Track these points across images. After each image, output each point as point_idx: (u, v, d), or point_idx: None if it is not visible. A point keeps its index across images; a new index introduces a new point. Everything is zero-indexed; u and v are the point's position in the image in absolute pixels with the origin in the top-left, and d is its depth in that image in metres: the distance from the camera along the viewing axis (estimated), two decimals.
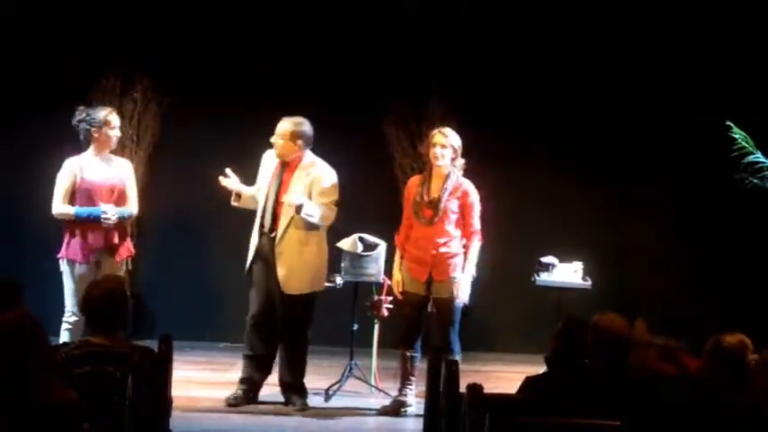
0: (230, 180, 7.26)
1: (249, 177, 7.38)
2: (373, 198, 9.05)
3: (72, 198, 7.05)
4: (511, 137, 9.64)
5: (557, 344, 4.82)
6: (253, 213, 7.26)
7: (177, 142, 9.71)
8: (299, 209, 6.99)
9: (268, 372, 7.31)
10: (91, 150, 7.11)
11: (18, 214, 9.43)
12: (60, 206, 7.04)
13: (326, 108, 9.51)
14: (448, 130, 7.14)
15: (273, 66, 9.60)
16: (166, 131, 9.71)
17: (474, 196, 7.13)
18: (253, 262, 7.19)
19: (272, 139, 7.14)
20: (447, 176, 7.11)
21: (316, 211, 7.03)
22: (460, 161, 7.13)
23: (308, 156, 7.19)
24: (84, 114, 7.09)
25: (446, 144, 7.08)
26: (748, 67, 9.60)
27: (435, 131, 7.20)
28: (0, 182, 9.57)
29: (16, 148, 9.45)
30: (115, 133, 7.16)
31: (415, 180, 7.31)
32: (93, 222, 7.01)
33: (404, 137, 9.52)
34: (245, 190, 7.28)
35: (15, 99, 9.46)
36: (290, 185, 7.10)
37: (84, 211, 7.02)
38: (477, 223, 7.13)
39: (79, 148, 7.15)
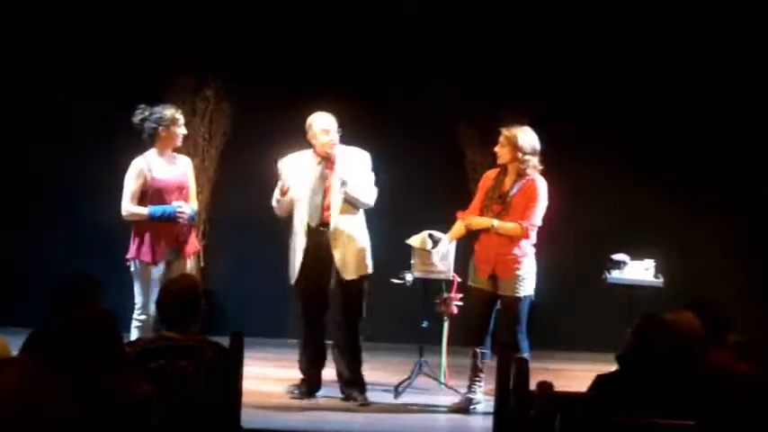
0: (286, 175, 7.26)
1: None
2: (443, 195, 9.04)
3: (141, 198, 7.03)
4: (584, 134, 9.62)
5: (631, 342, 4.75)
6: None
7: (248, 140, 9.77)
8: (346, 184, 7.07)
9: (323, 365, 7.39)
10: (155, 149, 7.08)
11: (92, 214, 9.55)
12: (131, 207, 7.02)
13: (396, 105, 9.58)
14: (515, 129, 7.11)
15: (345, 65, 9.64)
16: (238, 130, 9.81)
17: (539, 190, 7.06)
18: (303, 263, 7.21)
19: (326, 138, 7.16)
20: (520, 174, 7.08)
21: (360, 189, 7.15)
22: (532, 160, 7.06)
23: (338, 145, 7.27)
24: (147, 113, 7.05)
25: (504, 142, 7.06)
26: None
27: (503, 129, 7.18)
28: (74, 182, 9.72)
29: (91, 147, 9.56)
30: (182, 131, 7.15)
31: (491, 173, 7.31)
32: (166, 221, 7.00)
33: (475, 133, 9.52)
34: (293, 191, 7.26)
35: (90, 99, 9.59)
36: (333, 176, 7.19)
37: (158, 209, 7.00)
38: (532, 216, 7.03)
39: (142, 146, 7.13)
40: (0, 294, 9.70)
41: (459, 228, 7.28)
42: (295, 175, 7.23)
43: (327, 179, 7.21)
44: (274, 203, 7.26)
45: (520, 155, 7.04)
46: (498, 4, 9.76)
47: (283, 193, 7.19)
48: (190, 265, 7.30)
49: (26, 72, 9.71)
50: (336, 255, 7.17)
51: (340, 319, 7.24)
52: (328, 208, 7.19)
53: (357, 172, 7.21)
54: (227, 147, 9.83)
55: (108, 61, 9.59)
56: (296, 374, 7.49)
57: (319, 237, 7.21)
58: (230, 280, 9.81)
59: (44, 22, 9.74)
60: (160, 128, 7.04)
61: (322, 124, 7.20)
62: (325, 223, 7.20)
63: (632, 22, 9.73)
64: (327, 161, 7.24)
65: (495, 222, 7.02)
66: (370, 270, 7.33)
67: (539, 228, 7.12)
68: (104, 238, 9.32)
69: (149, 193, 7.04)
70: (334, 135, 7.20)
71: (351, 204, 7.21)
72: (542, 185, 7.09)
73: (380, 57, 9.66)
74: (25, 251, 9.85)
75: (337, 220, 7.17)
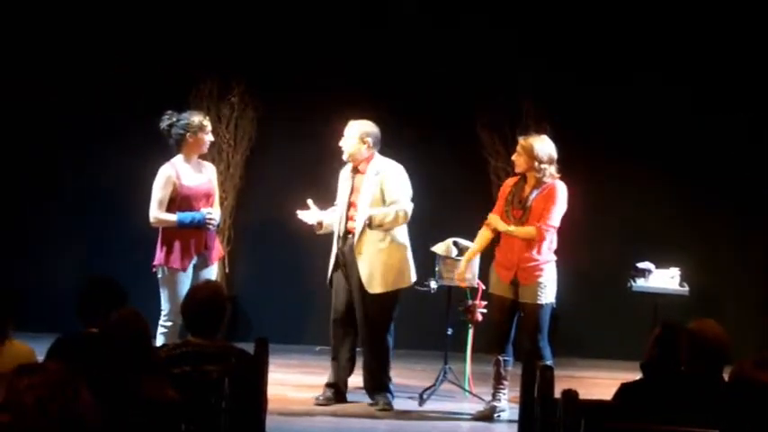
0: (309, 213, 7.28)
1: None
2: (467, 202, 9.05)
3: (169, 205, 7.01)
4: (604, 140, 9.58)
5: (653, 350, 4.75)
6: None
7: (273, 146, 9.79)
8: (370, 224, 7.07)
9: (351, 372, 7.39)
10: (182, 155, 7.08)
11: (116, 219, 9.59)
12: (159, 213, 7.00)
13: (420, 111, 9.57)
14: (531, 138, 7.12)
15: (368, 70, 9.64)
16: (263, 136, 9.80)
17: (557, 193, 7.05)
18: (334, 269, 7.29)
19: (341, 142, 7.20)
20: (538, 181, 7.09)
21: (387, 218, 7.11)
22: (548, 169, 7.05)
23: (377, 157, 7.25)
24: (174, 119, 7.04)
25: (520, 151, 7.09)
26: None
27: (520, 138, 7.20)
28: (99, 189, 9.75)
29: (114, 153, 9.58)
30: (209, 138, 7.15)
31: (510, 181, 7.34)
32: (194, 228, 7.00)
33: (498, 140, 9.50)
34: (327, 217, 7.32)
35: (113, 104, 9.61)
36: (361, 189, 7.18)
37: (187, 216, 6.99)
38: (548, 218, 7.00)
39: (169, 153, 7.13)
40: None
41: (484, 237, 7.28)
42: (340, 182, 7.34)
43: (353, 190, 7.21)
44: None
45: (536, 164, 7.03)
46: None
47: (317, 230, 7.30)
48: (216, 271, 7.31)
49: (52, 78, 9.74)
50: (362, 267, 7.16)
51: (363, 332, 7.25)
52: (352, 219, 7.21)
53: (388, 190, 7.16)
54: (251, 153, 9.82)
55: (133, 66, 9.61)
56: (320, 381, 7.50)
57: (345, 244, 7.24)
58: (255, 286, 9.81)
59: (68, 27, 9.76)
60: (188, 134, 7.04)
61: (345, 129, 7.24)
62: (349, 232, 7.22)
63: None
64: (357, 171, 7.25)
65: (512, 228, 7.02)
66: (406, 282, 7.29)
67: (560, 235, 7.12)
68: (121, 244, 9.42)
69: (177, 201, 7.04)
70: (348, 140, 7.18)
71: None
72: (561, 189, 7.10)
73: (407, 61, 9.65)
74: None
75: (363, 233, 7.15)
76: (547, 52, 9.55)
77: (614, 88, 9.59)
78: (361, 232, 7.16)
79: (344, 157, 7.26)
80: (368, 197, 7.17)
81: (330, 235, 7.37)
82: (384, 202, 7.18)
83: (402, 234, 7.29)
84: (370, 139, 7.20)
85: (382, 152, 7.34)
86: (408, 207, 7.24)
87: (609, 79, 9.60)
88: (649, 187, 9.63)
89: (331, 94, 9.45)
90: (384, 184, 7.19)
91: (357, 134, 7.19)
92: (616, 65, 9.63)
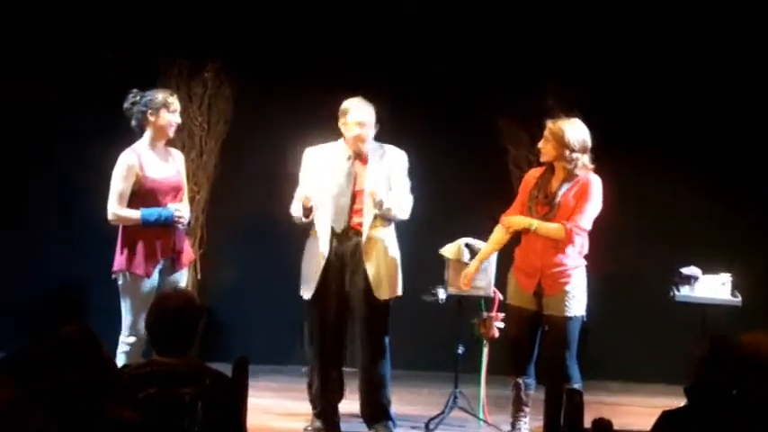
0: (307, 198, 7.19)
1: None
2: (483, 197, 9.06)
3: (130, 200, 7.00)
4: (639, 131, 9.64)
5: (700, 371, 4.71)
6: None
7: (253, 131, 9.81)
8: (380, 204, 7.06)
9: (342, 396, 7.41)
10: (146, 140, 7.08)
11: (67, 217, 9.62)
12: (119, 209, 6.99)
13: (427, 94, 9.61)
14: (561, 122, 7.08)
15: (364, 47, 9.69)
16: (241, 119, 9.83)
17: (591, 188, 7.02)
18: (322, 276, 7.20)
19: (358, 131, 7.14)
20: (569, 173, 7.07)
21: (396, 203, 7.15)
22: (581, 158, 7.02)
23: (373, 140, 7.27)
24: (138, 97, 7.07)
25: (548, 137, 7.06)
26: None
27: (548, 121, 7.20)
28: (48, 182, 9.78)
29: (77, 142, 9.58)
30: (174, 118, 7.12)
31: (534, 172, 7.30)
32: (161, 227, 7.00)
33: (518, 127, 9.54)
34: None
35: (74, 87, 9.61)
36: (366, 177, 7.18)
37: (152, 213, 6.98)
38: (579, 217, 6.99)
39: (131, 138, 7.13)
40: None
41: (499, 235, 7.28)
42: (314, 171, 7.22)
43: (357, 179, 7.21)
44: (293, 213, 7.22)
45: (567, 152, 7.00)
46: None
47: (306, 213, 7.13)
48: (186, 277, 7.32)
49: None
50: (370, 270, 7.16)
51: (365, 347, 7.24)
52: (358, 213, 7.18)
53: (395, 177, 7.20)
54: (228, 138, 9.84)
55: (97, 45, 9.62)
56: (309, 408, 7.51)
57: (344, 244, 7.20)
58: (232, 296, 9.83)
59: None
60: (149, 112, 7.04)
61: (358, 115, 7.16)
62: (352, 229, 7.20)
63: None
64: (358, 157, 7.25)
65: (536, 223, 7.02)
66: (401, 291, 7.34)
67: (590, 235, 7.10)
68: (73, 246, 9.45)
69: (141, 194, 7.02)
70: (369, 130, 7.18)
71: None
72: (596, 183, 7.05)
73: (408, 34, 9.72)
74: None
75: (373, 229, 7.17)
76: (570, 32, 9.65)
77: (649, 74, 9.67)
78: (370, 230, 7.15)
79: (363, 148, 7.22)
80: (379, 184, 7.14)
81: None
82: (389, 189, 7.19)
83: (395, 235, 7.34)
84: (377, 125, 7.25)
85: (382, 138, 7.36)
86: (411, 200, 7.28)
87: (646, 63, 9.68)
88: (693, 180, 9.64)
89: (321, 70, 9.51)
90: (395, 169, 7.23)
91: (374, 121, 7.20)
92: (654, 47, 9.72)
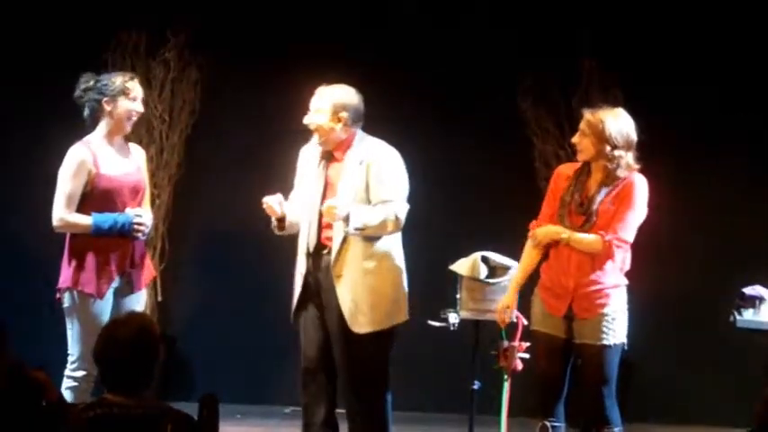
0: (277, 203, 7.06)
1: None
2: (503, 200, 9.10)
3: (81, 203, 6.95)
4: (689, 121, 9.71)
5: (765, 411, 4.75)
6: None
7: (224, 122, 9.88)
8: (346, 222, 6.93)
9: None
10: (101, 133, 7.04)
11: (13, 227, 9.62)
12: (67, 214, 6.92)
13: (432, 77, 9.66)
14: (602, 112, 7.03)
15: (364, 47, 9.79)
16: (209, 107, 9.88)
17: (635, 192, 6.91)
18: (300, 300, 7.12)
19: (306, 120, 7.04)
20: (609, 174, 6.98)
21: (371, 218, 6.96)
22: (625, 157, 6.93)
23: (359, 138, 7.11)
24: (91, 82, 7.04)
25: (586, 130, 6.99)
26: None
27: (585, 111, 7.14)
28: None
29: (12, 132, 9.67)
30: (135, 107, 7.09)
31: (566, 169, 7.22)
32: (116, 236, 6.95)
33: (546, 115, 9.61)
34: (290, 214, 7.14)
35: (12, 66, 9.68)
36: (338, 184, 7.05)
37: (107, 219, 6.92)
38: (621, 226, 6.88)
39: (83, 130, 7.08)
40: None
41: (531, 256, 7.17)
42: (306, 174, 7.16)
43: (329, 184, 7.08)
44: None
45: (608, 149, 6.90)
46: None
47: (280, 226, 7.05)
48: (144, 298, 7.27)
49: None
50: (342, 296, 7.01)
51: (348, 388, 7.11)
52: (329, 227, 7.05)
53: (374, 181, 7.01)
54: (194, 131, 9.88)
55: (37, 17, 9.72)
56: None
57: (317, 263, 7.09)
58: (199, 322, 9.89)
59: None
60: (104, 100, 6.99)
61: (312, 101, 7.05)
62: (322, 245, 7.08)
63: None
64: (329, 158, 7.12)
65: (568, 233, 6.93)
66: (403, 316, 7.18)
67: (633, 248, 6.99)
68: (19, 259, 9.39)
69: (93, 196, 6.96)
70: (313, 116, 7.01)
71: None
72: (641, 186, 6.98)
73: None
74: None
75: (343, 247, 7.00)
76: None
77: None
78: (342, 246, 7.01)
79: (317, 143, 7.10)
80: (349, 194, 7.01)
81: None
82: (369, 201, 7.05)
83: (395, 248, 7.18)
84: (346, 115, 6.99)
85: (374, 131, 7.23)
86: (402, 210, 7.10)
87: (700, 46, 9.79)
88: (759, 185, 9.71)
89: (304, 48, 9.60)
90: (371, 177, 7.04)
91: (329, 107, 7.03)
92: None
